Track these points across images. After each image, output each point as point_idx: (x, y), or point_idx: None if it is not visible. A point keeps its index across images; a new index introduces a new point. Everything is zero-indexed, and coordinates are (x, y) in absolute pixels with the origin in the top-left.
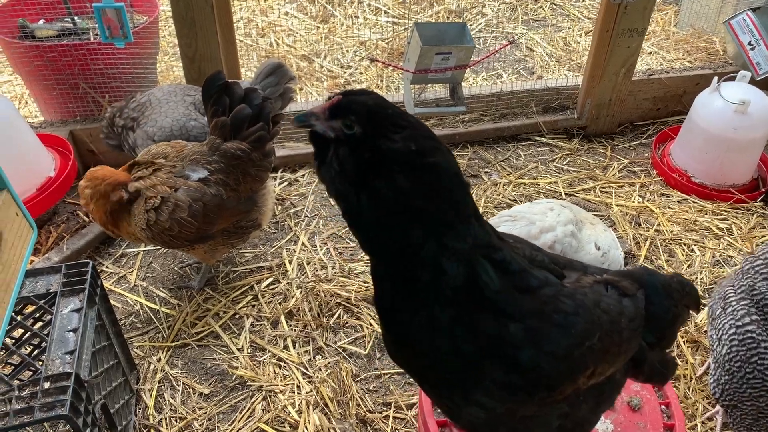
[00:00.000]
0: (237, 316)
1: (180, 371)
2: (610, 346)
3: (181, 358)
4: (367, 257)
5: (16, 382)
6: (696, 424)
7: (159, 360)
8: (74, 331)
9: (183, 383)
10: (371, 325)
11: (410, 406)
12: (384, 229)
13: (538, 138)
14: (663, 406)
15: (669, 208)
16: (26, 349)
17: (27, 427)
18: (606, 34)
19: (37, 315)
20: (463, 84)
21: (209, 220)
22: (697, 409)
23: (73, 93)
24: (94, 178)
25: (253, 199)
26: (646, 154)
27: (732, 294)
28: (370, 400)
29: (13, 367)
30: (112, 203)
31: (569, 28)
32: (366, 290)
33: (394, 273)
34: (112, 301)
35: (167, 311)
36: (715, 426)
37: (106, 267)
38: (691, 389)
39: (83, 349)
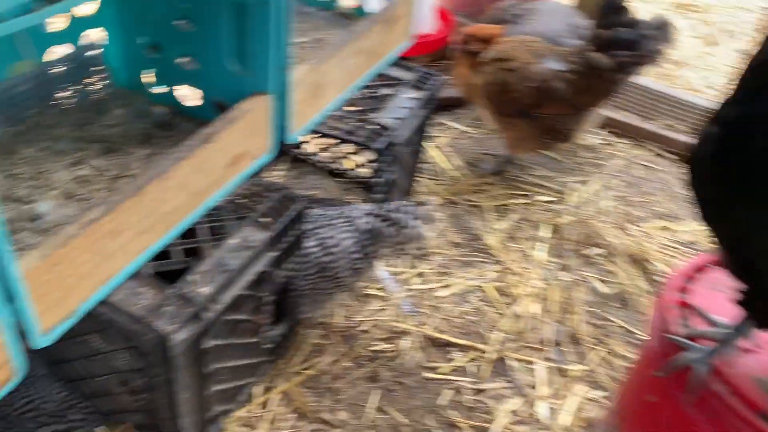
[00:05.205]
0: (506, 207)
1: (443, 218)
2: None
3: (449, 209)
4: None
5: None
6: None
7: (431, 201)
8: (403, 108)
9: (443, 227)
10: (625, 274)
11: (624, 357)
12: None
13: None
14: None
15: None
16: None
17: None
18: None
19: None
20: None
21: (540, 101)
22: None
23: None
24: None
25: (580, 113)
26: None
27: None
28: (589, 328)
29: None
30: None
31: None
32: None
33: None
34: None
35: (455, 174)
36: None
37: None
38: None
39: (404, 122)
